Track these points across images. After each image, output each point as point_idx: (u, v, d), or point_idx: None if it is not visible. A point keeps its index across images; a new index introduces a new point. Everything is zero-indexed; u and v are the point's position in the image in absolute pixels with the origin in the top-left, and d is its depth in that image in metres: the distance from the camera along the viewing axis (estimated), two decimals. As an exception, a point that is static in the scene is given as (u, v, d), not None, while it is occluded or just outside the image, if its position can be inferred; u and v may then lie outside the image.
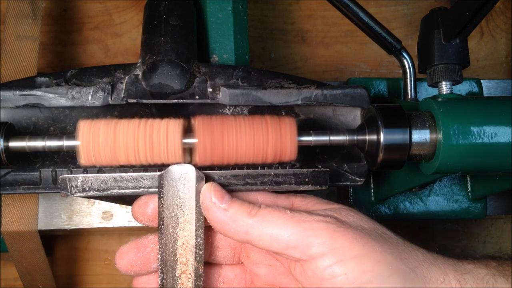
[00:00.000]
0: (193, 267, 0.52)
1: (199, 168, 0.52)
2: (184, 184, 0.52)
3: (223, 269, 0.58)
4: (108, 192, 0.52)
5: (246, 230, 0.49)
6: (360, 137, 0.53)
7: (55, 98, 0.54)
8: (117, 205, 0.76)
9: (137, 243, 0.55)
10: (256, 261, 0.57)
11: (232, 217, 0.50)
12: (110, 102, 0.54)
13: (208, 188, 0.51)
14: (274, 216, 0.49)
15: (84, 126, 0.50)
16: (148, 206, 0.53)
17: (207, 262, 0.57)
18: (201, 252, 0.52)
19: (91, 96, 0.54)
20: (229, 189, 0.53)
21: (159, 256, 0.52)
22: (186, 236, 0.52)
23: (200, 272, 0.52)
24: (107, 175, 0.52)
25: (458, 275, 0.50)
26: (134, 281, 0.56)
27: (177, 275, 0.52)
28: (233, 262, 0.58)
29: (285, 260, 0.53)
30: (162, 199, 0.52)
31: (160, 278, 0.52)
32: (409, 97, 0.65)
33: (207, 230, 0.54)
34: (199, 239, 0.52)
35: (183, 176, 0.52)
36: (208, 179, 0.52)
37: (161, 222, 0.52)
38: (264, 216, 0.50)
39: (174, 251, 0.52)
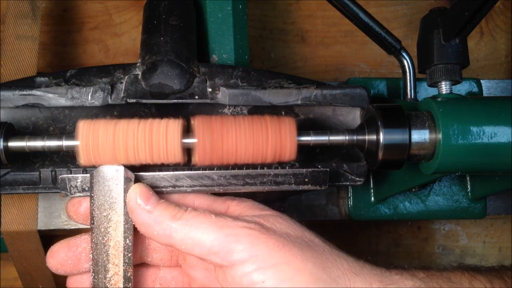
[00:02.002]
0: (123, 269, 0.51)
1: (130, 169, 0.51)
2: (116, 184, 0.51)
3: (161, 271, 0.57)
4: (108, 192, 0.52)
5: (169, 234, 0.49)
6: (360, 137, 0.53)
7: (55, 98, 0.54)
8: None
9: (69, 242, 0.54)
10: (192, 264, 0.56)
11: (156, 219, 0.49)
12: (110, 102, 0.54)
13: (135, 190, 0.50)
14: (198, 220, 0.49)
15: (84, 126, 0.50)
16: (81, 205, 0.53)
17: (144, 263, 0.56)
18: (129, 255, 0.51)
19: (91, 96, 0.54)
20: (227, 189, 0.53)
21: (91, 256, 0.51)
22: (118, 237, 0.51)
23: (129, 274, 0.51)
24: (106, 175, 0.52)
25: (382, 285, 0.49)
26: (67, 281, 0.55)
27: (109, 275, 0.51)
28: (171, 264, 0.57)
29: None
30: (92, 199, 0.51)
31: (92, 277, 0.51)
32: (409, 97, 0.65)
33: None
34: (127, 241, 0.51)
35: (115, 176, 0.51)
36: (138, 180, 0.52)
37: (92, 222, 0.51)
38: (188, 220, 0.49)
39: (106, 251, 0.51)
